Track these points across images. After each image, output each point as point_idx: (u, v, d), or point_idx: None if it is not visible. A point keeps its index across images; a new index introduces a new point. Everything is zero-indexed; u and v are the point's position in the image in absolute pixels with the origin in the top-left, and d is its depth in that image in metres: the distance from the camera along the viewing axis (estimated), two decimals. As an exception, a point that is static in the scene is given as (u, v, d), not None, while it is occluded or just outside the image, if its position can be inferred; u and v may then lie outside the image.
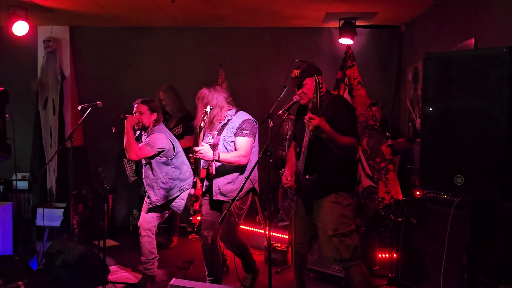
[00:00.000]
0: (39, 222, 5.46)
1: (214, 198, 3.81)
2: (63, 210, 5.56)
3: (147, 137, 4.29)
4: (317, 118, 2.94)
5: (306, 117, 2.98)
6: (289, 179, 3.37)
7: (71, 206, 4.86)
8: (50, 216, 5.46)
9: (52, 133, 6.27)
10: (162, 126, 4.41)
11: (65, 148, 5.87)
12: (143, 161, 4.35)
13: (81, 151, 6.70)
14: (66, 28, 6.61)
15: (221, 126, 3.91)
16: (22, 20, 5.53)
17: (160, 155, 4.24)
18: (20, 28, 5.55)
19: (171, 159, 4.29)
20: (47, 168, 6.18)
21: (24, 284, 3.68)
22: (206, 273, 3.95)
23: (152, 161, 4.27)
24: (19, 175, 6.07)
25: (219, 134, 3.88)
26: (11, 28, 5.53)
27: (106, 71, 6.85)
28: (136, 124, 4.25)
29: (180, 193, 4.35)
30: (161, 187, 4.29)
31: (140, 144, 4.19)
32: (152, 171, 4.29)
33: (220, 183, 3.82)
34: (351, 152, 3.25)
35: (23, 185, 6.19)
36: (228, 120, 3.89)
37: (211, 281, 3.89)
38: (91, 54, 6.83)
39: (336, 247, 3.22)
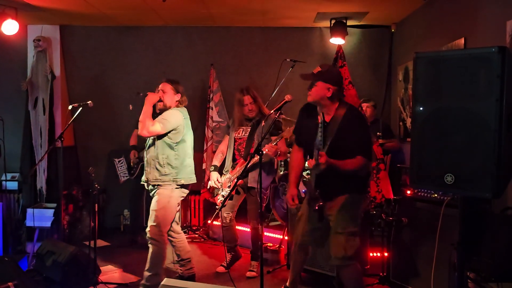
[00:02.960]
0: (29, 222, 5.42)
1: (249, 185, 4.46)
2: (53, 210, 5.52)
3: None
4: (324, 161, 3.08)
5: (310, 162, 3.20)
6: (295, 201, 3.42)
7: (62, 206, 4.83)
8: (40, 217, 5.41)
9: (42, 133, 6.23)
10: (184, 108, 4.22)
11: (56, 148, 5.88)
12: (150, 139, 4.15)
13: (72, 151, 6.66)
14: (57, 27, 6.56)
15: (253, 123, 4.54)
16: (11, 19, 5.47)
17: (169, 134, 4.04)
18: (10, 27, 5.49)
19: (177, 144, 4.08)
20: (37, 168, 6.13)
21: (14, 284, 3.65)
22: (250, 250, 4.75)
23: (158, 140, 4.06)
24: (9, 175, 6.02)
25: (252, 131, 4.51)
26: (0, 27, 5.47)
27: (96, 71, 6.81)
28: (158, 102, 4.10)
29: (171, 186, 4.05)
30: (156, 168, 4.05)
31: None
32: (155, 146, 4.09)
33: (254, 174, 4.40)
34: (361, 172, 3.32)
35: (12, 185, 6.14)
36: (260, 118, 4.49)
37: (253, 257, 4.72)
38: (82, 53, 6.79)
39: (342, 245, 3.29)
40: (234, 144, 4.61)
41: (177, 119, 4.08)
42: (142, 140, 5.52)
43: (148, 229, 4.03)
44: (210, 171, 4.69)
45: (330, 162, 3.11)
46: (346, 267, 3.35)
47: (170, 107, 4.15)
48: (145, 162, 4.19)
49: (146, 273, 4.01)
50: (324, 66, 3.42)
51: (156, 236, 4.01)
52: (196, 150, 6.49)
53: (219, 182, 4.56)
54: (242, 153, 4.53)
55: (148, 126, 3.95)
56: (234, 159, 4.61)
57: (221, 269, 4.73)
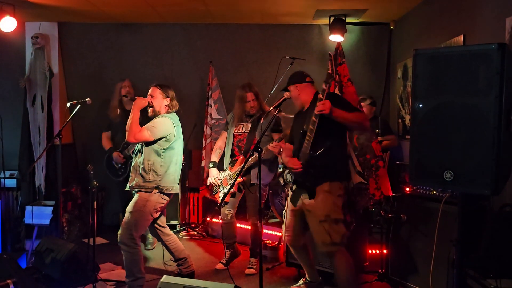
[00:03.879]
0: (27, 220, 5.42)
1: (252, 182, 4.44)
2: (52, 208, 5.51)
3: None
4: (327, 102, 3.20)
5: (319, 103, 3.23)
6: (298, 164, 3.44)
7: (60, 204, 4.82)
8: (39, 214, 5.41)
9: (40, 130, 6.21)
10: (175, 115, 4.16)
11: (54, 146, 5.86)
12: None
13: (70, 149, 6.65)
14: (55, 24, 6.55)
15: (253, 119, 4.51)
16: (9, 16, 5.46)
17: (159, 141, 3.97)
18: (8, 24, 5.48)
19: (164, 151, 4.00)
20: (36, 166, 6.12)
21: (13, 282, 3.64)
22: (250, 247, 4.80)
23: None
24: (7, 173, 6.01)
25: (253, 127, 4.47)
26: (-2, 24, 5.47)
27: (95, 68, 6.80)
28: (148, 107, 4.04)
29: (151, 192, 3.96)
30: (140, 174, 3.97)
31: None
32: (142, 152, 4.03)
33: (256, 171, 4.30)
34: (363, 124, 3.50)
35: (11, 183, 6.13)
36: (260, 115, 4.46)
37: (252, 254, 4.73)
38: (80, 50, 6.77)
39: (327, 231, 3.35)
40: (234, 140, 4.60)
41: (167, 127, 4.00)
42: (116, 141, 5.51)
43: (119, 231, 3.95)
44: (209, 168, 4.67)
45: (334, 109, 3.24)
46: (334, 254, 3.40)
47: (159, 112, 4.09)
48: (131, 168, 4.11)
49: (127, 280, 3.96)
50: (290, 75, 3.76)
51: (125, 240, 3.89)
52: (195, 148, 6.55)
53: (218, 179, 4.56)
54: (242, 149, 4.52)
55: (135, 133, 3.90)
56: (233, 155, 4.60)
57: (220, 266, 4.73)
